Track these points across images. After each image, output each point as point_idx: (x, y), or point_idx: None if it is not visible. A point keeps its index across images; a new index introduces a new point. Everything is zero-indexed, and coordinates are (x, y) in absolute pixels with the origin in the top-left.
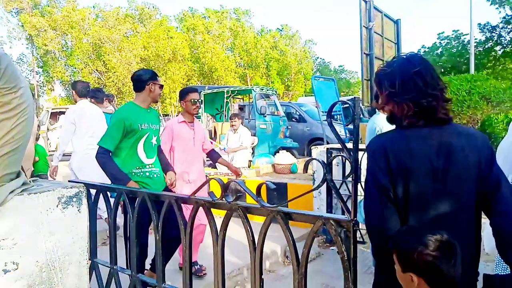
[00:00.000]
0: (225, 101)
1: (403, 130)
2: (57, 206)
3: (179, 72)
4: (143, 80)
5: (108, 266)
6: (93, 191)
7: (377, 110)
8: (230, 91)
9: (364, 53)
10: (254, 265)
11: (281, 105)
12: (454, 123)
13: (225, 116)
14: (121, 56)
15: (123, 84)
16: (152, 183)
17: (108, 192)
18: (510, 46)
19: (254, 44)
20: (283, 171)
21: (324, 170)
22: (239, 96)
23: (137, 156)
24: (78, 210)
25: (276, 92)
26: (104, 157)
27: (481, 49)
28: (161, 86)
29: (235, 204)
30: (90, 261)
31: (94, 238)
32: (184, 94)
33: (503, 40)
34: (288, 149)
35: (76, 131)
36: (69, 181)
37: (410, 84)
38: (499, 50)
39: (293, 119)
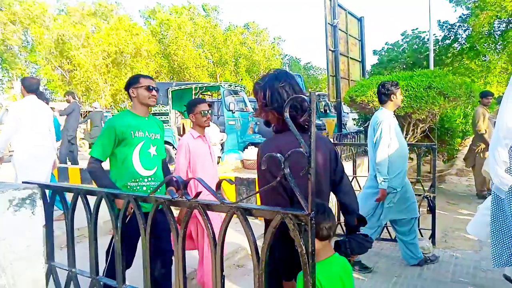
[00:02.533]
0: (193, 97)
1: (277, 134)
2: (7, 209)
3: (147, 68)
4: (126, 88)
5: (66, 269)
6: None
7: (381, 105)
8: (198, 88)
9: (330, 49)
10: (215, 262)
11: (249, 101)
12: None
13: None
14: (86, 52)
15: (90, 81)
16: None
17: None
18: (466, 43)
19: (223, 40)
20: (252, 166)
21: (282, 165)
22: (208, 93)
23: (133, 168)
24: (32, 212)
25: (244, 88)
26: (94, 167)
27: (441, 46)
28: (148, 88)
29: (195, 202)
30: (47, 265)
31: (51, 240)
32: (192, 106)
33: (460, 38)
34: (257, 144)
35: (20, 126)
36: (23, 182)
37: (276, 96)
38: (457, 47)
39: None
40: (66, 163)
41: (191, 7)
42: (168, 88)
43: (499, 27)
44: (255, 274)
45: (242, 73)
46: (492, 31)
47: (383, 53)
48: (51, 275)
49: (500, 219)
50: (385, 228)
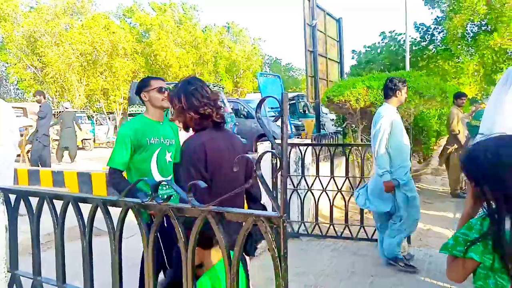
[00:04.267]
0: None
1: (200, 132)
2: None
3: (125, 67)
4: (137, 92)
5: (30, 278)
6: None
7: (385, 101)
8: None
9: (308, 50)
10: (187, 267)
11: (228, 101)
12: (225, 129)
13: (171, 113)
14: (59, 50)
15: (64, 80)
16: None
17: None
18: (441, 45)
19: (203, 40)
20: None
21: (254, 167)
22: None
23: (151, 176)
24: None
25: (223, 88)
26: (115, 177)
27: (417, 48)
28: (160, 89)
29: (166, 205)
30: (10, 274)
31: (15, 248)
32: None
33: (435, 40)
34: None
35: None
36: None
37: (191, 98)
38: (432, 49)
39: (241, 116)
40: (38, 166)
41: (172, 5)
42: None
43: (472, 30)
44: (226, 278)
45: (221, 73)
46: (465, 33)
47: (361, 54)
48: (14, 285)
49: None
50: (362, 228)
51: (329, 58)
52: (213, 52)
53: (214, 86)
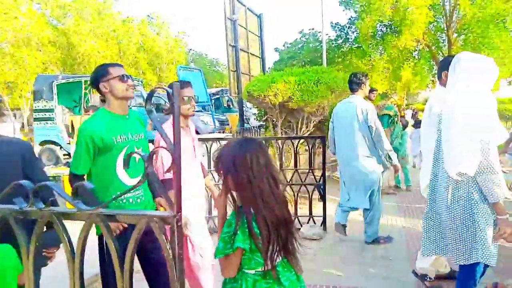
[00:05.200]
0: (83, 91)
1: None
2: None
3: (34, 59)
4: (94, 83)
5: None
6: None
7: (352, 95)
8: (88, 81)
9: (230, 44)
10: (74, 277)
11: None
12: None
13: (85, 108)
14: None
15: None
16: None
17: None
18: (355, 44)
19: (124, 32)
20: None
21: (146, 164)
22: None
23: (117, 178)
24: None
25: (142, 82)
26: (75, 182)
27: (333, 46)
28: (121, 77)
29: (48, 210)
30: None
31: None
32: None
33: (350, 38)
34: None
35: None
36: None
37: None
38: (347, 47)
39: (163, 110)
40: None
41: None
42: (53, 81)
43: (381, 30)
44: (118, 286)
45: (143, 65)
46: (375, 33)
47: (284, 50)
48: None
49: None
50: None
51: (251, 53)
52: (134, 44)
53: (133, 80)
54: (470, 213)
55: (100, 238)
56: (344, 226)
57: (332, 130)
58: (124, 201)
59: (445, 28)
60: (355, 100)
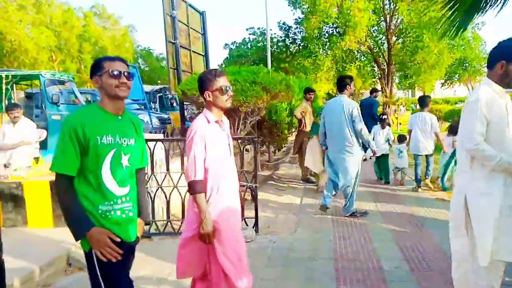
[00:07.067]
0: (4, 87)
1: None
2: None
3: None
4: (90, 76)
5: None
6: None
7: (340, 94)
8: (11, 76)
9: (169, 41)
10: None
11: (82, 92)
12: None
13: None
14: None
15: None
16: (120, 231)
17: None
18: (302, 43)
19: (62, 22)
20: None
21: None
22: (27, 82)
23: (104, 186)
24: None
25: (73, 78)
26: (59, 185)
27: (281, 45)
28: (112, 72)
29: None
30: None
31: None
32: (208, 80)
33: (296, 39)
34: None
35: None
36: None
37: None
38: (294, 46)
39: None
40: None
41: None
42: None
43: (327, 31)
44: None
45: (87, 59)
46: (321, 34)
47: (233, 48)
48: None
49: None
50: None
51: (193, 51)
52: (77, 37)
53: (62, 76)
54: None
55: (89, 253)
56: (327, 207)
57: (323, 124)
58: (112, 213)
59: (385, 32)
60: (342, 99)
